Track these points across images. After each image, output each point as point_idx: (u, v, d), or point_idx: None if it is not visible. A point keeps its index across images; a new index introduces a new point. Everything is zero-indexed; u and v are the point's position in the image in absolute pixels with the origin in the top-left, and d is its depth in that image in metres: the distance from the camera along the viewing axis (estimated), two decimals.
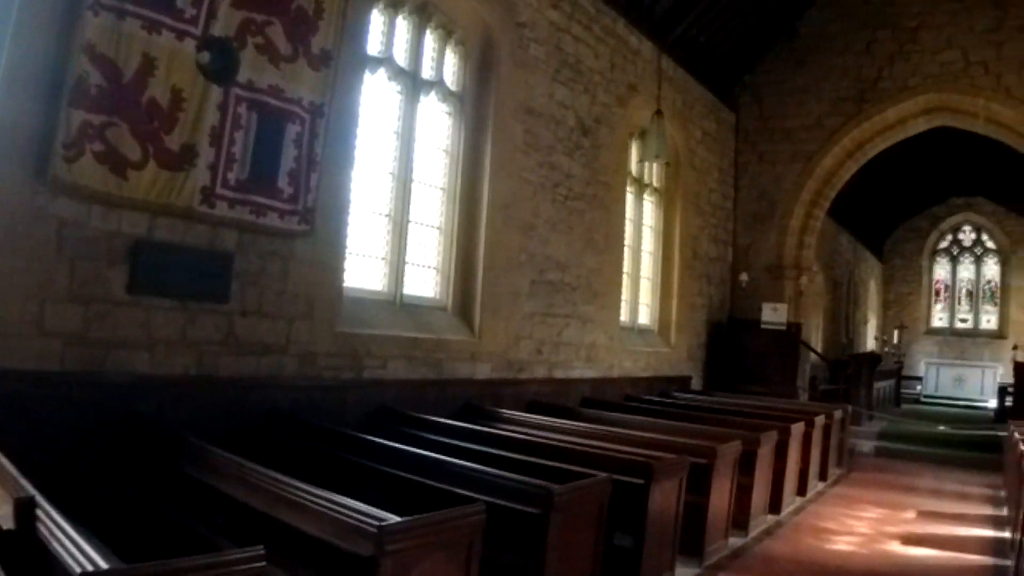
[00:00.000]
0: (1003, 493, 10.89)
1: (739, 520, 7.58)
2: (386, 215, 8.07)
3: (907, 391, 24.02)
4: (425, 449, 5.56)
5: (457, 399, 8.28)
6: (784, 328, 14.04)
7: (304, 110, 6.39)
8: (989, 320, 28.19)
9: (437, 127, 8.78)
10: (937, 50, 14.21)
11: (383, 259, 8.04)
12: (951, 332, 28.43)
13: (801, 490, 9.72)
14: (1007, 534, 8.51)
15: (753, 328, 14.15)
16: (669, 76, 12.25)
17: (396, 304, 8.07)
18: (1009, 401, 18.15)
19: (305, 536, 3.55)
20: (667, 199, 13.31)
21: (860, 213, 22.62)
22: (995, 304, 28.13)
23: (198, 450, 4.64)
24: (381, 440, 5.68)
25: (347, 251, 7.27)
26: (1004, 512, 9.68)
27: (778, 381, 13.91)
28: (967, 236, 28.61)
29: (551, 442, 6.59)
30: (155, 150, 5.41)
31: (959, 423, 17.45)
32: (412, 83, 8.30)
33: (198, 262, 5.84)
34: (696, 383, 13.96)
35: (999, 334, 27.48)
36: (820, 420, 10.23)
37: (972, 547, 8.11)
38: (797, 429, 9.10)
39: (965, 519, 9.39)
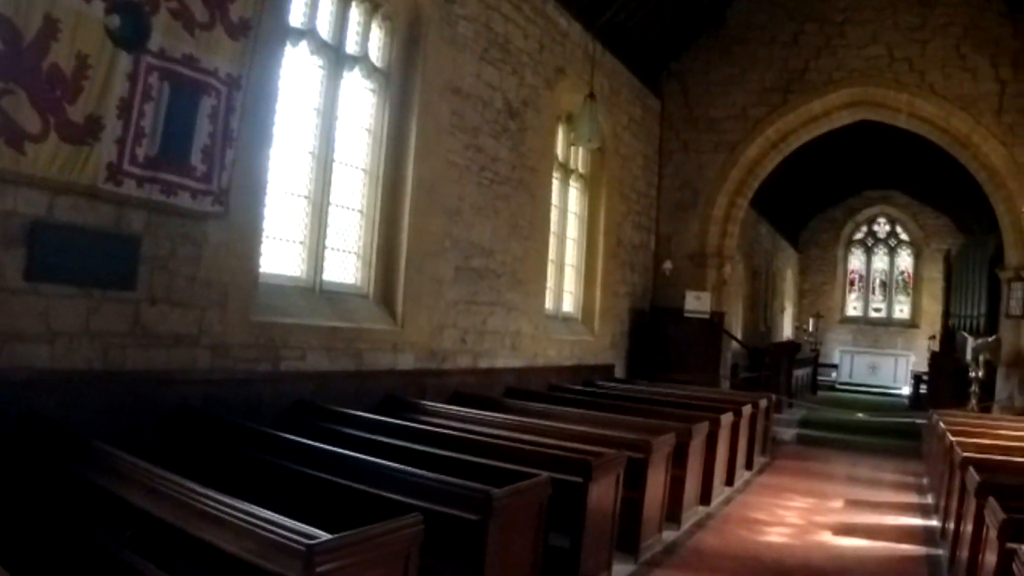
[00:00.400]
0: (925, 480, 11.05)
1: (672, 513, 7.46)
2: (305, 197, 7.61)
3: (823, 378, 24.40)
4: (349, 447, 5.19)
5: (379, 391, 7.90)
6: (707, 316, 14.01)
7: (220, 82, 5.90)
8: (902, 310, 28.94)
9: (360, 105, 8.35)
10: (863, 45, 14.34)
11: (301, 243, 7.58)
12: (865, 321, 29.08)
13: (730, 480, 9.66)
14: (935, 522, 8.56)
15: (676, 316, 14.08)
16: (597, 60, 12.01)
17: (315, 292, 7.64)
18: (924, 389, 18.66)
19: (223, 554, 3.17)
20: (592, 185, 13.12)
21: (779, 203, 22.82)
22: (908, 294, 28.90)
23: (102, 454, 4.20)
24: (302, 439, 5.28)
25: (264, 235, 6.81)
26: (929, 500, 9.81)
27: (701, 369, 13.89)
28: (882, 228, 29.27)
29: (482, 438, 6.28)
30: (57, 122, 4.89)
31: (875, 410, 17.69)
32: (335, 58, 7.84)
33: (103, 245, 5.33)
34: (619, 371, 13.84)
35: (911, 323, 28.32)
36: (747, 410, 10.20)
37: (903, 536, 8.19)
38: (727, 420, 9.01)
39: (892, 507, 9.48)
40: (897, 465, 12.48)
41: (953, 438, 8.29)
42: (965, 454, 7.15)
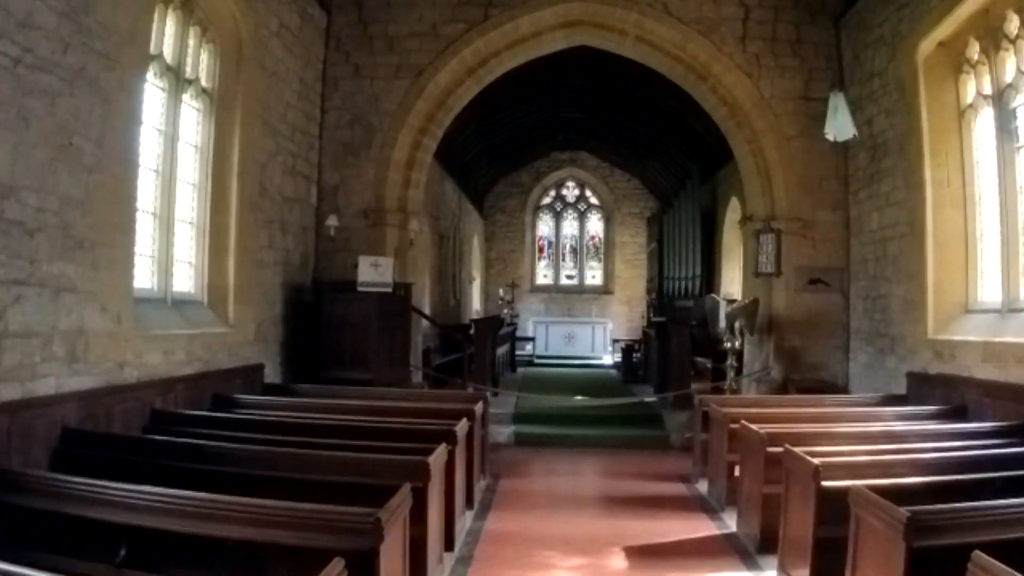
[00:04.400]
0: (704, 487, 8.66)
1: None
2: None
3: (520, 353, 22.35)
4: None
5: None
6: (389, 290, 10.31)
7: None
8: (595, 276, 27.80)
9: None
10: None
11: None
12: (557, 289, 27.53)
13: (450, 542, 6.16)
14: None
15: (349, 292, 10.23)
16: None
17: None
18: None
19: None
20: (222, 107, 8.97)
21: (464, 161, 19.95)
22: (600, 260, 27.74)
23: None
24: None
25: None
26: (733, 526, 7.24)
27: (386, 363, 10.23)
28: (571, 192, 27.98)
29: None
30: None
31: (590, 389, 15.57)
32: None
33: None
34: (272, 374, 9.89)
35: (605, 289, 27.29)
36: (462, 427, 6.68)
37: None
38: (437, 463, 5.39)
39: (700, 551, 6.70)
40: (654, 466, 9.98)
41: (755, 427, 6.71)
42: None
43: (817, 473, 5.14)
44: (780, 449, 6.01)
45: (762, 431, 6.49)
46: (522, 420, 11.97)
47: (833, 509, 5.07)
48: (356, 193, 11.63)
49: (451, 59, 11.71)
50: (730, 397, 9.90)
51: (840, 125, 10.35)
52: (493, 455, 9.73)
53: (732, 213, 17.11)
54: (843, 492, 4.81)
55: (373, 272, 10.02)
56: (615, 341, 23.81)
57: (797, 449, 5.71)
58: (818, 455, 5.54)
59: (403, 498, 4.30)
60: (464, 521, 7.00)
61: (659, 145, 20.62)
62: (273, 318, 10.02)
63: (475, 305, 24.49)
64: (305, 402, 8.11)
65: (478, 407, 7.89)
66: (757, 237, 11.66)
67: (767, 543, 6.31)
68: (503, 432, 11.25)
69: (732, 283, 17.34)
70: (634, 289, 26.47)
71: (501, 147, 22.08)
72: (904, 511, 3.96)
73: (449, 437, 6.11)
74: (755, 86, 11.69)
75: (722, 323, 10.76)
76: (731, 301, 10.85)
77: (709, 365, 13.90)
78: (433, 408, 7.81)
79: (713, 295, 12.56)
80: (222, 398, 8.03)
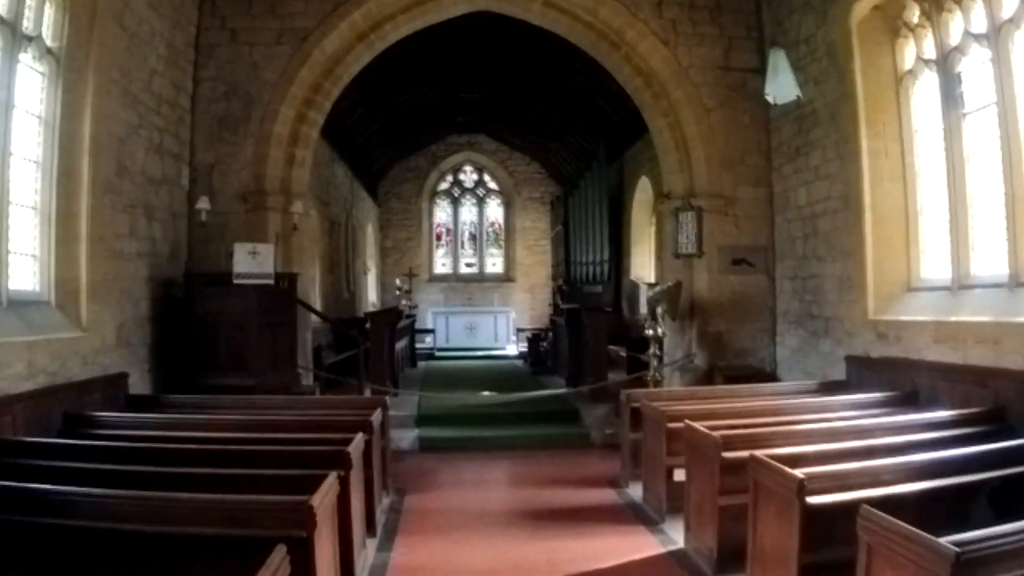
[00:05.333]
0: (639, 495, 7.69)
1: None
2: None
3: (420, 346, 21.33)
4: None
5: None
6: (271, 282, 9.04)
7: None
8: (495, 263, 26.82)
9: None
10: None
11: None
12: (456, 278, 26.44)
13: None
14: None
15: (224, 286, 8.86)
16: None
17: None
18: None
19: None
20: (71, 71, 7.56)
21: (357, 143, 18.72)
22: (500, 247, 26.79)
23: None
24: None
25: None
26: (682, 542, 6.26)
27: (269, 365, 8.92)
28: (468, 177, 26.88)
29: None
30: None
31: (497, 383, 14.64)
32: None
33: None
34: (139, 383, 8.54)
35: (507, 277, 26.37)
36: (358, 444, 5.56)
37: None
38: (326, 491, 4.25)
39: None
40: (577, 468, 9.09)
41: (702, 427, 5.90)
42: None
43: (802, 489, 4.26)
44: (740, 455, 5.14)
45: (715, 434, 5.56)
46: (427, 422, 10.88)
47: (819, 526, 4.21)
48: (233, 173, 10.30)
49: (340, 23, 10.45)
50: (658, 391, 9.02)
51: (781, 85, 9.49)
52: (396, 465, 8.65)
53: (641, 193, 16.34)
54: (832, 509, 3.93)
55: (251, 262, 8.70)
56: (519, 330, 22.98)
57: (761, 453, 4.85)
58: (787, 460, 4.69)
59: (281, 559, 3.18)
60: (366, 557, 5.88)
61: (563, 126, 19.78)
62: (138, 318, 8.66)
63: (371, 297, 23.21)
64: (174, 419, 6.84)
65: (375, 416, 6.76)
66: (676, 216, 10.83)
67: (727, 562, 5.43)
68: (406, 437, 10.14)
69: (642, 266, 16.58)
70: (537, 276, 25.62)
71: (397, 129, 20.85)
72: (947, 544, 3.06)
73: (342, 460, 4.99)
74: (672, 54, 10.85)
75: (643, 308, 9.85)
76: (652, 284, 9.97)
77: (623, 354, 13.09)
78: (324, 419, 6.67)
79: (632, 278, 11.64)
80: (76, 417, 6.68)
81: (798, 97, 9.25)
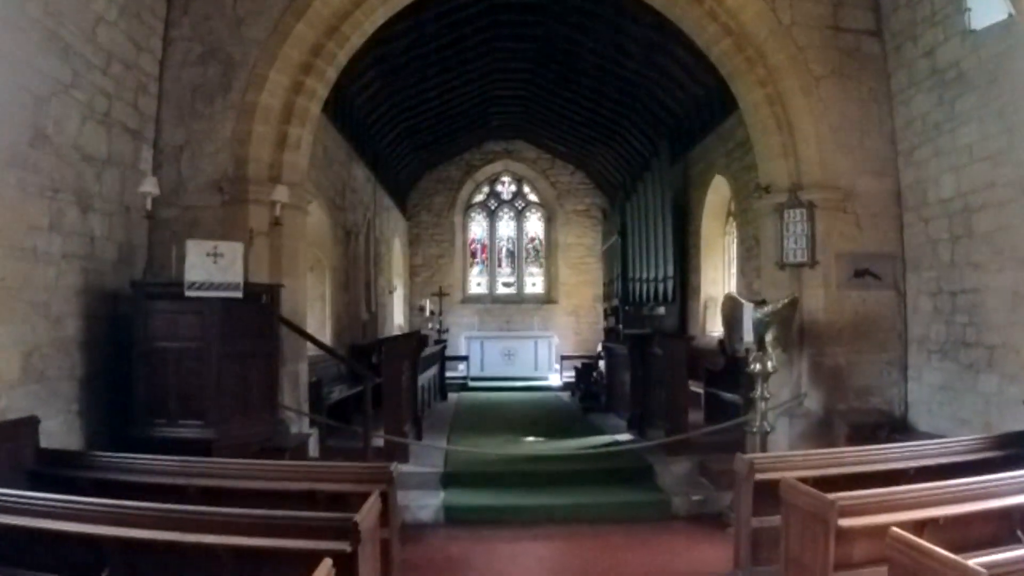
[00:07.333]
0: None
1: None
2: None
3: (452, 375, 18.91)
4: None
5: None
6: (239, 294, 6.56)
7: None
8: (535, 283, 24.42)
9: None
10: None
11: None
12: (492, 299, 24.00)
13: None
14: None
15: (176, 300, 6.37)
16: None
17: None
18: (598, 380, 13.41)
19: None
20: None
21: (381, 145, 16.58)
22: (541, 265, 24.39)
23: None
24: None
25: None
26: None
27: (237, 409, 6.42)
28: (506, 188, 24.55)
29: None
30: None
31: (542, 423, 12.34)
32: None
33: None
34: (62, 430, 6.21)
35: (548, 298, 23.91)
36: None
37: None
38: None
39: None
40: (661, 555, 6.59)
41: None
42: None
43: None
44: None
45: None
46: (454, 483, 8.36)
47: None
48: (208, 156, 8.00)
49: None
50: (786, 455, 6.24)
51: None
52: (412, 549, 6.20)
53: (713, 195, 13.83)
54: None
55: (211, 267, 6.20)
56: (563, 358, 20.52)
57: None
58: None
59: None
60: None
61: (612, 125, 17.46)
62: (58, 342, 6.32)
63: (397, 319, 20.91)
64: (85, 506, 4.30)
65: (369, 506, 4.28)
66: (780, 215, 8.35)
67: None
68: (428, 505, 7.65)
69: (714, 283, 14.11)
70: (582, 297, 23.20)
71: (426, 131, 18.68)
72: None
73: None
74: (770, 7, 8.45)
75: (747, 335, 7.35)
76: (759, 303, 7.49)
77: (699, 390, 10.65)
78: (298, 514, 4.17)
79: (731, 294, 9.09)
80: None
81: (1010, 15, 6.50)
